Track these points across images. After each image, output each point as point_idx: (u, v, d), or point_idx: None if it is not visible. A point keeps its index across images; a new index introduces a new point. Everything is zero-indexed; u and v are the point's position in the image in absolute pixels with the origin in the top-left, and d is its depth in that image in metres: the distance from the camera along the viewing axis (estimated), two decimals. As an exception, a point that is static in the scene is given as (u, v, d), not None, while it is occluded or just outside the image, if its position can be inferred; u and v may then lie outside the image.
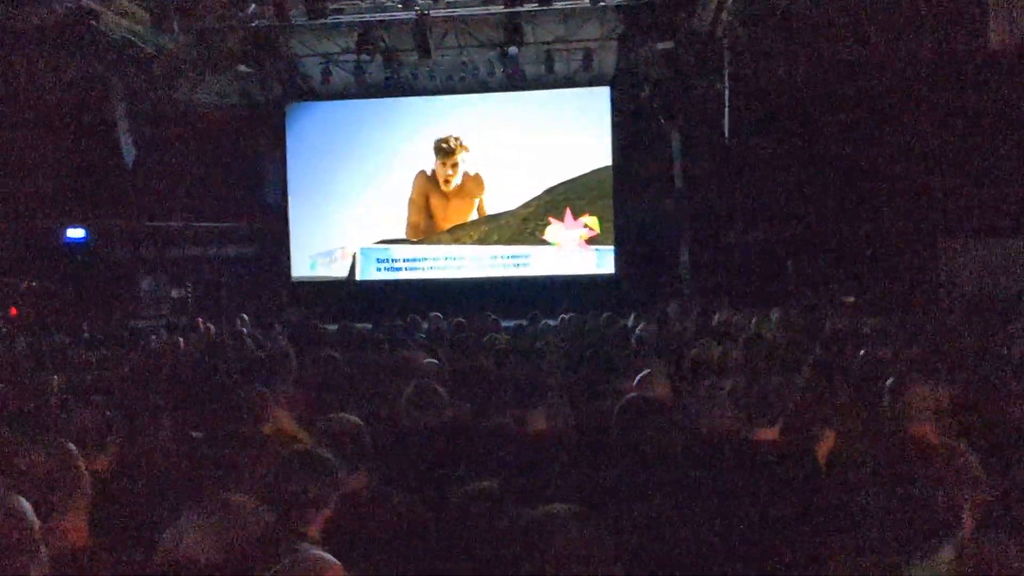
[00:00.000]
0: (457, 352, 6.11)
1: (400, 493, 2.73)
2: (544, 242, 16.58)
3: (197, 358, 5.85)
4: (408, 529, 2.47)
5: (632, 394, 2.97)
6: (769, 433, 2.95)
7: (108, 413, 2.96)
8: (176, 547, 2.53)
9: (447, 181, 16.85)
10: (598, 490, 2.44)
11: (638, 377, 4.13)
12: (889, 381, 2.99)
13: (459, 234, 16.90)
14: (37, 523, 1.71)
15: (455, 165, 16.78)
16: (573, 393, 4.48)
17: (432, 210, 16.92)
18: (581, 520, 1.67)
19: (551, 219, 16.55)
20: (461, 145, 16.74)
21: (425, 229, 17.01)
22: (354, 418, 3.01)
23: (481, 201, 16.84)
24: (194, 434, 3.96)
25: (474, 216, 16.88)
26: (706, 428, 3.23)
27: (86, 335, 10.89)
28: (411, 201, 16.96)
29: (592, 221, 16.55)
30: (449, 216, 16.94)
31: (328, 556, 1.69)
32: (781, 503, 2.47)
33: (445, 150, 16.76)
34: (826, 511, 2.37)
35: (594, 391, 4.63)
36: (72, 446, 2.15)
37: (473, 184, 16.82)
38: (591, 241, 16.55)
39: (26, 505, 1.70)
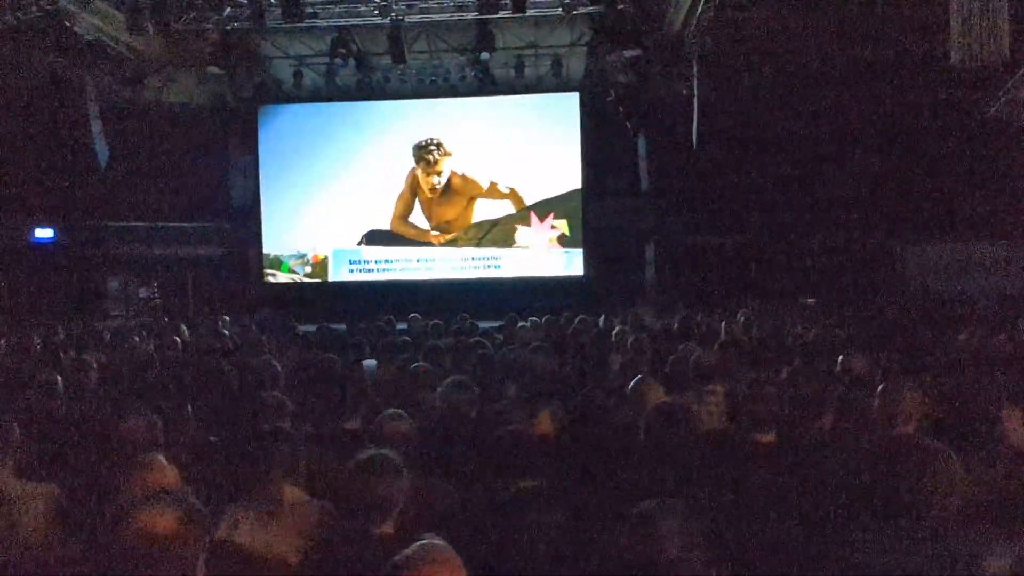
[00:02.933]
0: (450, 357, 6.28)
1: (445, 484, 2.96)
2: (515, 245, 16.81)
3: (208, 362, 5.97)
4: (463, 520, 2.70)
5: (664, 400, 3.21)
6: (767, 437, 3.22)
7: (153, 417, 3.13)
8: (231, 536, 2.74)
9: (432, 189, 17.01)
10: (630, 491, 2.66)
11: (632, 382, 4.35)
12: (880, 386, 3.27)
13: (430, 236, 17.05)
14: (208, 516, 1.92)
15: (439, 173, 16.96)
16: (565, 396, 4.68)
17: (418, 210, 17.12)
18: (685, 514, 1.86)
19: (519, 225, 16.79)
20: (445, 152, 16.89)
21: (405, 228, 17.15)
22: (404, 414, 3.22)
23: (473, 200, 16.93)
24: (212, 438, 4.09)
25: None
26: (705, 430, 3.48)
27: (61, 336, 10.85)
28: (400, 195, 17.11)
29: (561, 223, 16.84)
30: (434, 218, 17.09)
31: (444, 544, 1.89)
32: (787, 501, 2.72)
33: (428, 160, 16.91)
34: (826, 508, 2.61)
35: (585, 394, 4.84)
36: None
37: (461, 183, 16.94)
38: (561, 242, 16.82)
39: (199, 504, 1.91)
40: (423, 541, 1.90)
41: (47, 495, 2.81)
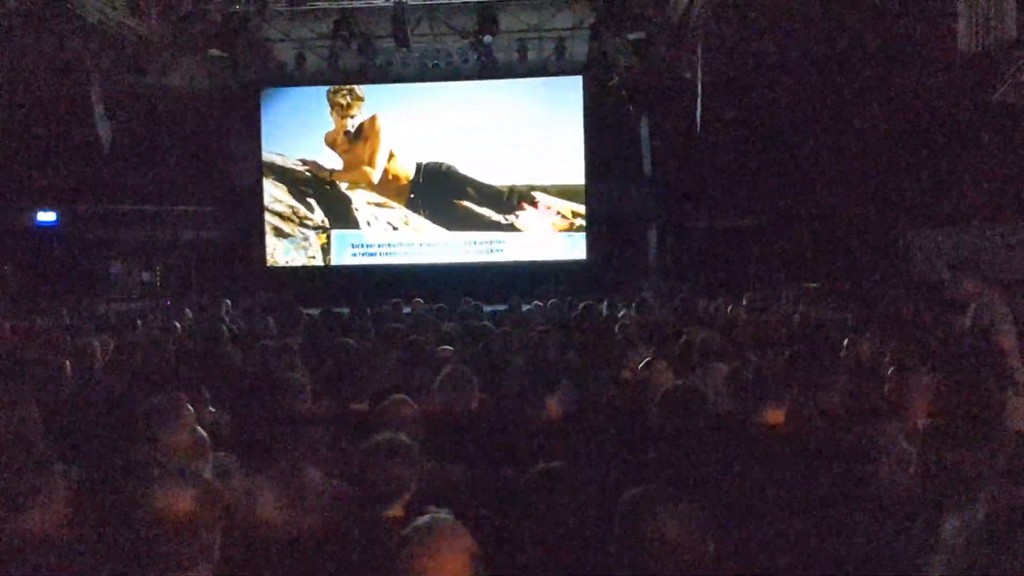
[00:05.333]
0: (461, 341, 6.30)
1: (454, 467, 2.98)
2: (518, 228, 16.81)
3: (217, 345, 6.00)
4: (474, 503, 2.72)
5: (679, 381, 3.23)
6: (776, 415, 3.24)
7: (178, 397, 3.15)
8: (249, 504, 2.76)
9: (346, 132, 17.27)
10: (643, 472, 2.68)
11: (641, 364, 4.37)
12: (891, 369, 3.30)
13: (435, 217, 17.02)
14: (224, 495, 1.93)
15: (352, 116, 17.18)
16: (574, 379, 4.70)
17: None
18: (678, 501, 1.89)
19: (524, 205, 16.78)
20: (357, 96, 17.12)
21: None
22: (408, 399, 3.24)
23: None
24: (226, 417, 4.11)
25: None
26: (714, 411, 3.50)
27: (67, 320, 10.88)
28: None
29: (564, 207, 16.83)
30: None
31: (451, 518, 1.91)
32: (796, 481, 2.74)
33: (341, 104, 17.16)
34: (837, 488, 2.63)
35: (593, 377, 4.86)
36: (203, 431, 2.36)
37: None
38: (563, 226, 16.82)
39: (215, 481, 1.92)
40: (430, 515, 1.92)
41: (69, 476, 2.83)
